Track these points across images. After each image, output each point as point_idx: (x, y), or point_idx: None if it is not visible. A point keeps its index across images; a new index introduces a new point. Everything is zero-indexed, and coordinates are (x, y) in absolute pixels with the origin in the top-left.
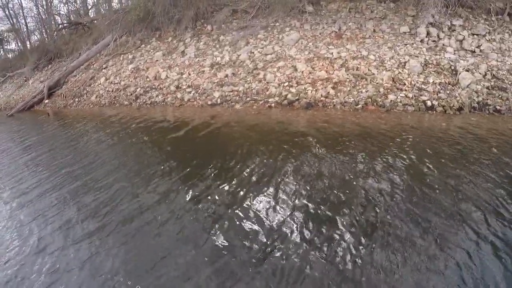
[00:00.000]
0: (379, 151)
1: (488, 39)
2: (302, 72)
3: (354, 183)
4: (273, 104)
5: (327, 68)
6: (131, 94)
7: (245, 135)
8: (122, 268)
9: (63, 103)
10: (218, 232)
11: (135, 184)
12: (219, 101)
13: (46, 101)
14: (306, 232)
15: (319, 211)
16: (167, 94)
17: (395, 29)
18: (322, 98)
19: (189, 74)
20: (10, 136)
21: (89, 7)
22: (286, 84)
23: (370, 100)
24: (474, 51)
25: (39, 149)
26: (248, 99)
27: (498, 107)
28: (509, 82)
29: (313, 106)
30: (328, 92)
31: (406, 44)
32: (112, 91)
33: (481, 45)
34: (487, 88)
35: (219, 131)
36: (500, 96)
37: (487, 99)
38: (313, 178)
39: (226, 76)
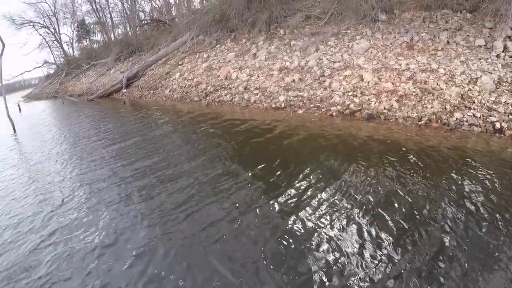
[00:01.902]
0: (442, 174)
1: None
2: (368, 82)
3: (419, 203)
4: (334, 113)
5: (394, 79)
6: (202, 91)
7: (306, 141)
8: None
9: (139, 94)
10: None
11: (211, 176)
12: (283, 105)
13: (124, 90)
14: (368, 246)
15: (388, 231)
16: (235, 94)
17: (470, 42)
18: (384, 111)
19: (258, 76)
20: (90, 121)
21: (171, 6)
22: (350, 93)
23: (434, 116)
24: None
25: (117, 137)
26: (311, 105)
27: None
28: None
29: (375, 118)
30: (392, 105)
31: (480, 59)
32: (185, 87)
33: None
34: None
35: (283, 134)
36: None
37: None
38: (374, 194)
39: (293, 81)
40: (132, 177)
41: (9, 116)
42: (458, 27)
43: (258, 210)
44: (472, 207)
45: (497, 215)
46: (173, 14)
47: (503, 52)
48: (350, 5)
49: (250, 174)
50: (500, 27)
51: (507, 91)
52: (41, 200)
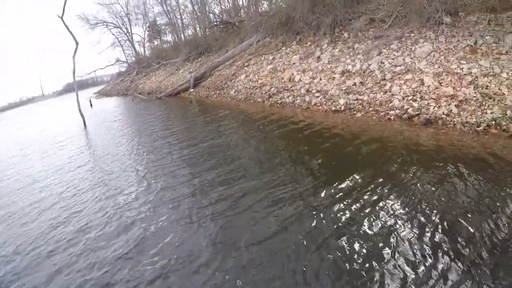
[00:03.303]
0: (501, 184)
1: None
2: (429, 86)
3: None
4: (392, 117)
5: (454, 84)
6: (265, 93)
7: (367, 145)
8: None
9: (205, 93)
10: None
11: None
12: (342, 108)
13: (191, 90)
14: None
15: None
16: (297, 96)
17: None
18: (443, 116)
19: (320, 79)
20: (159, 120)
21: (240, 8)
22: (410, 97)
23: (493, 122)
24: None
25: (183, 136)
26: (370, 109)
27: None
28: None
29: (432, 123)
30: (451, 110)
31: None
32: (250, 88)
33: None
34: None
35: (346, 138)
36: None
37: None
38: (430, 205)
39: (354, 84)
40: (196, 177)
41: (80, 112)
42: None
43: (322, 214)
44: None
45: None
46: (242, 16)
47: None
48: (414, 7)
49: (315, 180)
50: None
51: None
52: (103, 199)
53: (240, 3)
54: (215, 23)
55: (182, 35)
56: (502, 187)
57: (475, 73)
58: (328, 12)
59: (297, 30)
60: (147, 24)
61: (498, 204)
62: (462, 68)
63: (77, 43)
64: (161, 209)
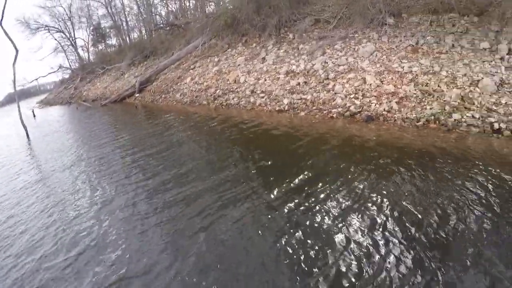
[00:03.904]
0: (441, 173)
1: None
2: (370, 84)
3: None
4: (335, 115)
5: (395, 82)
6: (211, 95)
7: (305, 143)
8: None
9: (151, 98)
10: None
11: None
12: (286, 107)
13: (137, 95)
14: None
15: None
16: (242, 98)
17: (475, 45)
18: (384, 112)
19: (265, 80)
20: (104, 128)
21: (186, 10)
22: (352, 96)
23: (433, 117)
24: None
25: (128, 144)
26: (314, 108)
27: None
28: None
29: (373, 119)
30: (392, 107)
31: (484, 61)
32: (195, 91)
33: None
34: None
35: (288, 137)
36: None
37: None
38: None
39: (298, 84)
40: (143, 186)
41: (22, 123)
42: (464, 31)
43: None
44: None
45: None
46: (189, 18)
47: (507, 54)
48: (358, 9)
49: (264, 180)
50: (506, 30)
51: (508, 93)
52: (51, 215)
53: (187, 4)
54: (161, 25)
55: (127, 38)
56: (442, 176)
57: (415, 72)
58: (273, 13)
59: (242, 31)
60: (91, 28)
61: (441, 192)
62: (403, 67)
63: (17, 50)
64: (116, 222)
